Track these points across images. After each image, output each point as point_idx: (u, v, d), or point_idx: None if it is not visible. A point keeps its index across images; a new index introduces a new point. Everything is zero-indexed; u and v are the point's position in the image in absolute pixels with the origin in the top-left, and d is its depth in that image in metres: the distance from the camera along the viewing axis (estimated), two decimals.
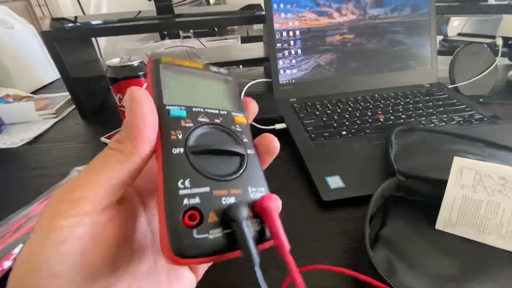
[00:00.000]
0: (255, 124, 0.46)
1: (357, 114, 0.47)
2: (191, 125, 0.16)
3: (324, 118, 0.47)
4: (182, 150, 0.15)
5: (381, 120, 0.46)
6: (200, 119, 0.17)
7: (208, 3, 1.60)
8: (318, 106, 0.50)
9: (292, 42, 0.52)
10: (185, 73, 0.19)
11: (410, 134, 0.40)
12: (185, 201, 0.14)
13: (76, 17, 0.60)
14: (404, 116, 0.46)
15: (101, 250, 0.14)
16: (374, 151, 0.39)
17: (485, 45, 0.56)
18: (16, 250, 0.28)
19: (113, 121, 0.55)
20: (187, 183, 0.14)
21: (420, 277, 0.24)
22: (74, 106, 0.62)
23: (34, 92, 0.72)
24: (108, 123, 0.54)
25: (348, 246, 0.28)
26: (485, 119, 0.44)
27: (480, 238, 0.27)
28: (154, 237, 0.18)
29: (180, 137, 0.16)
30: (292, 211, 0.33)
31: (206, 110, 0.18)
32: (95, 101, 0.63)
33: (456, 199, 0.28)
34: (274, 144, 0.18)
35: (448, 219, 0.28)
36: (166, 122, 0.16)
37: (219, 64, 0.77)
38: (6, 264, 0.27)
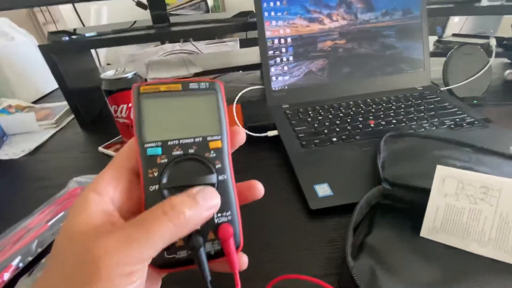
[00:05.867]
0: (248, 132, 0.47)
1: (348, 120, 0.48)
2: (166, 160, 0.19)
3: (316, 125, 0.47)
4: (157, 187, 0.18)
5: (372, 125, 0.46)
6: (175, 152, 0.19)
7: (207, 6, 1.61)
8: (310, 113, 0.50)
9: (284, 49, 0.53)
10: (163, 101, 0.20)
11: (400, 140, 0.40)
12: None
13: (75, 29, 0.61)
14: (394, 121, 0.46)
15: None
16: (363, 158, 0.39)
17: (479, 46, 0.55)
18: (15, 262, 0.29)
19: (111, 130, 0.56)
20: None
21: (402, 285, 0.25)
22: (73, 116, 0.63)
23: (35, 102, 0.74)
24: (106, 132, 0.55)
25: (335, 255, 0.29)
26: (476, 122, 0.44)
27: (463, 245, 0.27)
28: None
29: (155, 174, 0.18)
30: (280, 219, 0.33)
31: (181, 141, 0.19)
32: (93, 110, 0.64)
33: (439, 207, 0.28)
34: (259, 191, 0.22)
35: (432, 226, 0.29)
36: (145, 160, 0.19)
37: (217, 71, 0.77)
38: (6, 276, 0.28)
